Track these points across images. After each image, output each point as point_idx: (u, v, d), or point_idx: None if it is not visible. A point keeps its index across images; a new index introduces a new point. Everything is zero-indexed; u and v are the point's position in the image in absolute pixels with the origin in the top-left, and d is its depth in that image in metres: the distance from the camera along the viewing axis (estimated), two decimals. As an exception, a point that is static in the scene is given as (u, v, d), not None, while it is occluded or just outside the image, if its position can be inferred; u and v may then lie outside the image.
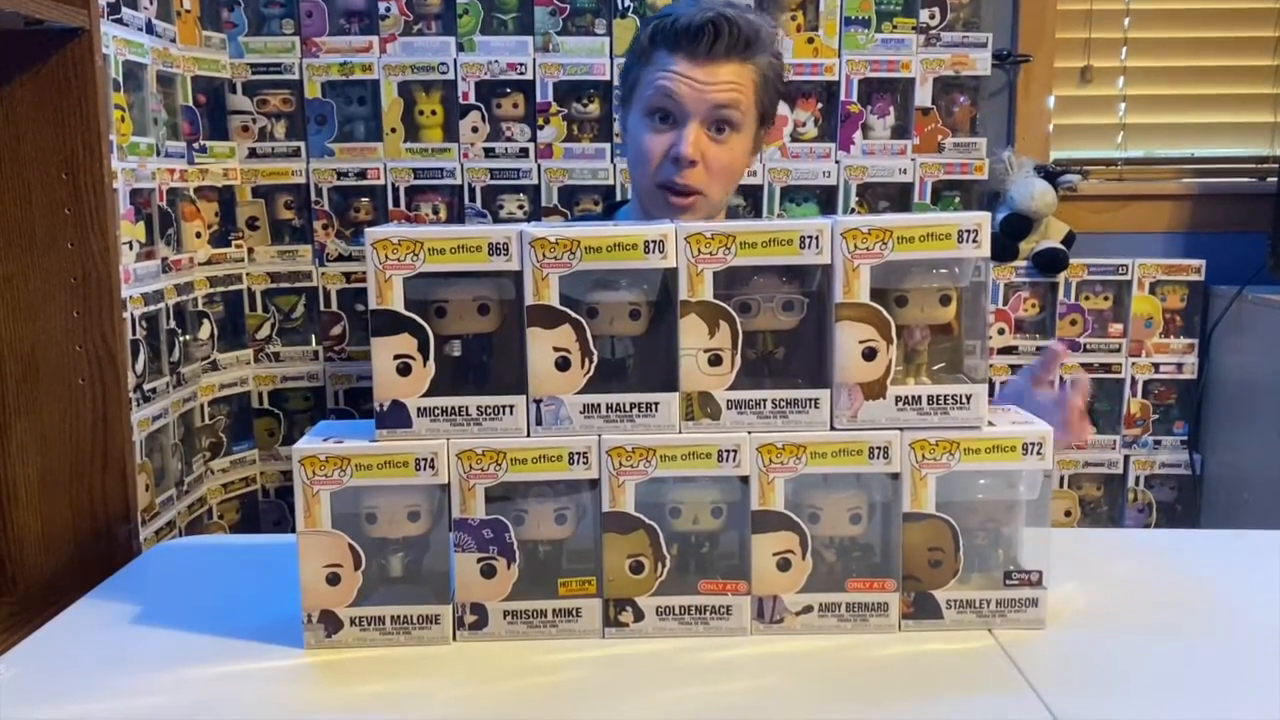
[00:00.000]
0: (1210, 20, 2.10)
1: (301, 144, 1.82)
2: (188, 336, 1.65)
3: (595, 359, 0.85)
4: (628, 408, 0.85)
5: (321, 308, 1.87)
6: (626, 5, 1.80)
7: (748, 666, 0.83)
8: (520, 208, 1.86)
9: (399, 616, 0.86)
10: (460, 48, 1.81)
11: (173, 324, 1.57)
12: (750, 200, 1.89)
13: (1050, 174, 1.93)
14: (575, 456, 0.85)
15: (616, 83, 1.44)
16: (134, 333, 1.42)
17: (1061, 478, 2.01)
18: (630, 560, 0.87)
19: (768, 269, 0.85)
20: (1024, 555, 0.89)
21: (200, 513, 1.70)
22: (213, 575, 1.06)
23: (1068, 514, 2.03)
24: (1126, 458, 2.01)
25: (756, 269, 0.85)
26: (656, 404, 0.85)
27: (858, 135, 1.87)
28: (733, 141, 1.31)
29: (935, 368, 0.89)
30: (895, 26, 1.85)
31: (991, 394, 0.89)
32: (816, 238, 0.83)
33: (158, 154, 1.54)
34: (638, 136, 1.33)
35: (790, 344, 0.88)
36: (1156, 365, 1.98)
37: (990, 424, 0.86)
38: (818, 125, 1.89)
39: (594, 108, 1.85)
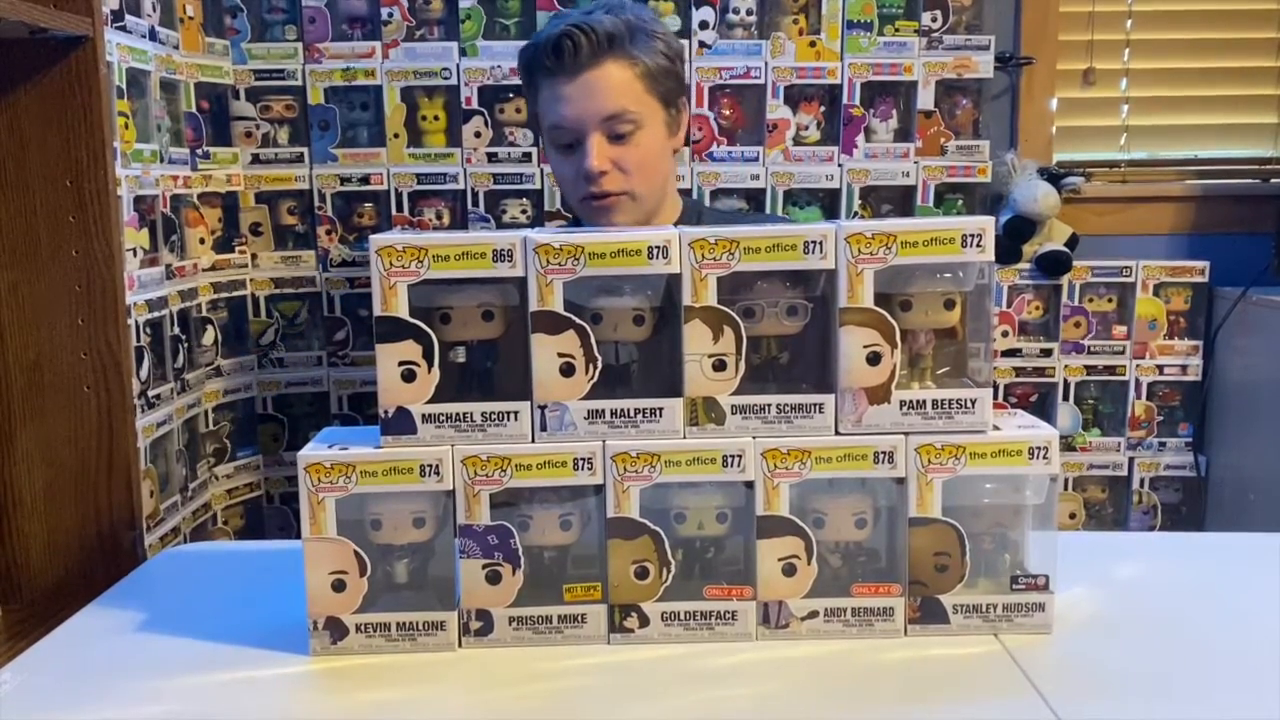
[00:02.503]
0: (1213, 21, 2.09)
1: (304, 150, 1.82)
2: (192, 343, 1.66)
3: (599, 365, 0.85)
4: (632, 413, 0.85)
5: (325, 313, 1.87)
6: (628, 10, 1.80)
7: (753, 672, 0.83)
8: (523, 212, 1.86)
9: (404, 623, 0.86)
10: (463, 53, 1.81)
11: (177, 330, 1.57)
12: (754, 204, 1.89)
13: (1053, 176, 1.93)
14: (580, 462, 0.85)
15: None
16: (138, 339, 1.42)
17: (1066, 480, 2.00)
18: (635, 566, 0.86)
19: (772, 274, 0.85)
20: (1030, 559, 0.89)
21: (205, 519, 1.70)
22: (218, 582, 1.06)
23: (1072, 516, 2.02)
24: (1131, 460, 2.00)
25: (760, 274, 0.85)
26: (661, 409, 0.85)
27: (860, 138, 1.87)
28: (638, 138, 1.32)
29: (940, 372, 0.88)
30: (897, 30, 1.84)
31: (995, 396, 0.89)
32: (820, 243, 0.83)
33: (161, 161, 1.54)
34: (553, 165, 1.38)
35: (794, 349, 0.88)
36: (1161, 367, 1.98)
37: (996, 428, 0.86)
38: (820, 129, 1.88)
39: (596, 112, 1.85)
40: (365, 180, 1.83)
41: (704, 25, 1.80)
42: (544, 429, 0.86)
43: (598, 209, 1.33)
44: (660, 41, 1.33)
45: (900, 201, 1.91)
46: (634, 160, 1.31)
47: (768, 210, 1.87)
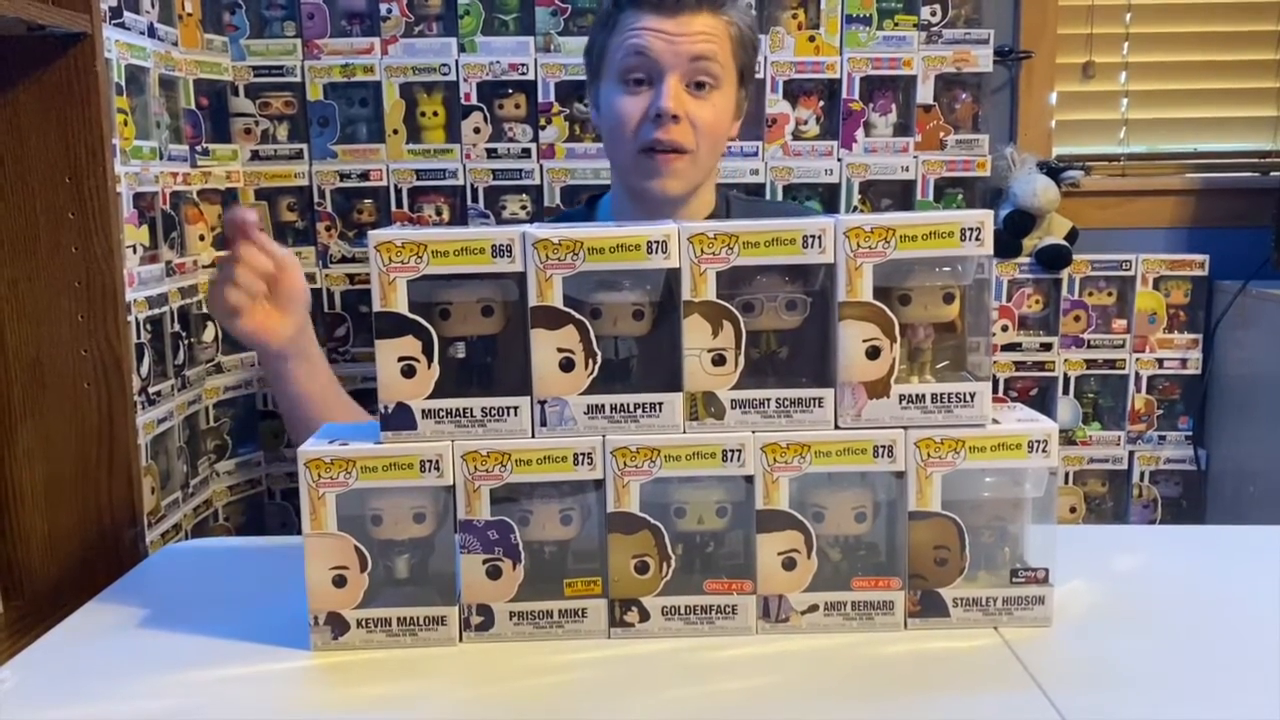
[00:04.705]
0: (1212, 15, 2.09)
1: (304, 146, 1.83)
2: (192, 339, 1.66)
3: (599, 360, 0.85)
4: (632, 408, 0.85)
5: (325, 309, 1.87)
6: (627, 5, 1.80)
7: (753, 666, 0.83)
8: (523, 208, 1.86)
9: (405, 618, 0.86)
10: (462, 49, 1.81)
11: (177, 327, 1.58)
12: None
13: (1053, 170, 1.93)
14: (580, 457, 0.85)
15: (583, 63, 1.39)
16: (138, 336, 1.42)
17: (1066, 474, 2.01)
18: (635, 560, 0.87)
19: (771, 268, 0.85)
20: (1030, 553, 0.89)
21: (206, 515, 1.70)
22: (219, 578, 1.06)
23: (1072, 510, 2.03)
24: (1131, 453, 2.00)
25: (759, 268, 0.85)
26: (660, 404, 0.85)
27: (860, 133, 1.87)
28: (714, 98, 1.27)
29: (939, 366, 0.88)
30: (896, 24, 1.84)
31: (996, 390, 0.89)
32: (819, 237, 0.83)
33: (160, 157, 1.54)
34: (612, 104, 1.28)
35: (794, 343, 0.88)
36: (1161, 361, 1.98)
37: (995, 421, 0.86)
38: (820, 123, 1.88)
39: (596, 107, 1.85)
40: (364, 176, 1.84)
41: (703, 20, 1.80)
42: (544, 424, 0.86)
43: (659, 161, 1.26)
44: (749, 14, 1.32)
45: (900, 196, 1.91)
46: (706, 119, 1.26)
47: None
